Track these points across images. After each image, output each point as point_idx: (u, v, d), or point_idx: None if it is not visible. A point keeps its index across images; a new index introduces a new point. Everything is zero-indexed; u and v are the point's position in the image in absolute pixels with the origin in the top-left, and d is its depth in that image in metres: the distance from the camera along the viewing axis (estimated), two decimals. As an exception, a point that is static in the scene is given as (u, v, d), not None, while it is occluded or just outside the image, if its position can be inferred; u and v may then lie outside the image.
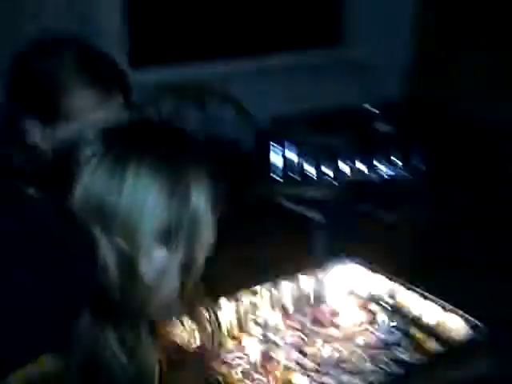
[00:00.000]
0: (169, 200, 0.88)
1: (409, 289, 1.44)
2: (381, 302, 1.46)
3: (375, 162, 1.97)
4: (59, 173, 0.91)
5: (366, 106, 2.23)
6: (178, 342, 1.26)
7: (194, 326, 1.21)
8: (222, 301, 1.35)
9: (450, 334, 1.33)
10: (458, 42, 2.95)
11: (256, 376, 1.24)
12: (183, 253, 0.91)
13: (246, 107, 2.36)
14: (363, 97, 2.50)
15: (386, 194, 1.95)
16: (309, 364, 1.27)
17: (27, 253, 0.82)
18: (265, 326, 1.37)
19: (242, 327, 1.37)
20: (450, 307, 1.37)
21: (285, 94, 2.75)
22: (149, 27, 2.69)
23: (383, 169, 1.97)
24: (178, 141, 0.95)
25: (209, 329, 1.12)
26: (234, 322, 1.36)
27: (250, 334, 1.35)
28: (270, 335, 1.35)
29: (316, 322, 1.40)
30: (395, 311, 1.43)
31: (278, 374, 1.23)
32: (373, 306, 1.45)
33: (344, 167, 1.93)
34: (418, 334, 1.35)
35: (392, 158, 1.98)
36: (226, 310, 1.35)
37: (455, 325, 1.34)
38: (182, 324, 1.26)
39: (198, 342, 1.25)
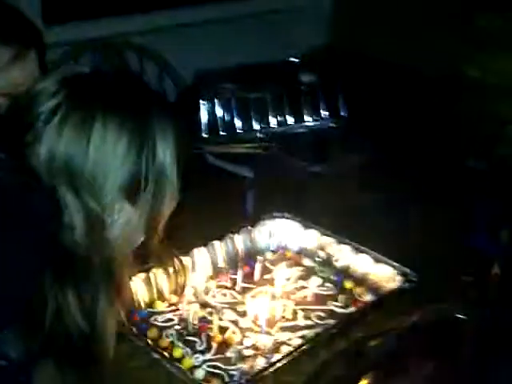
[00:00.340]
0: (135, 155, 0.85)
1: (340, 241, 1.44)
2: (313, 256, 1.45)
3: (301, 114, 1.96)
4: (17, 128, 0.85)
5: (290, 57, 2.20)
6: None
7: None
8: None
9: (383, 284, 1.34)
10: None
11: (190, 338, 1.21)
12: (149, 208, 0.89)
13: (168, 62, 2.30)
14: (286, 48, 2.47)
15: (313, 145, 1.94)
16: (243, 323, 1.26)
17: None
18: (197, 287, 1.34)
19: (173, 289, 1.34)
20: (382, 257, 1.38)
21: (206, 48, 2.70)
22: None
23: (310, 120, 1.96)
24: (141, 93, 0.91)
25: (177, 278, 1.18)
26: (166, 285, 1.33)
27: (183, 296, 1.32)
28: (203, 296, 1.32)
29: (249, 279, 1.38)
30: (328, 265, 1.42)
31: (212, 334, 1.22)
32: (305, 261, 1.44)
33: (271, 120, 1.91)
34: (352, 287, 1.36)
35: (318, 108, 1.97)
36: (158, 272, 1.32)
37: (387, 275, 1.34)
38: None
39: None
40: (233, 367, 1.14)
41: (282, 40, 2.82)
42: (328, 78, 2.01)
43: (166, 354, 1.14)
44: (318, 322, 1.26)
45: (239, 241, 1.45)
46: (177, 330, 1.23)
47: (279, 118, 1.92)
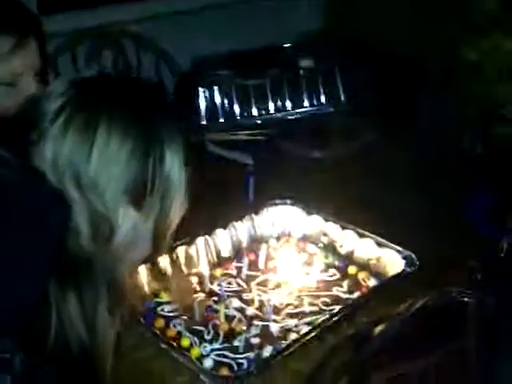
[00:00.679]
0: (140, 160, 0.83)
1: (343, 227, 1.44)
2: (317, 242, 1.46)
3: (301, 99, 1.95)
4: (22, 127, 0.84)
5: (288, 43, 2.19)
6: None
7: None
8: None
9: (387, 269, 1.34)
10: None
11: (197, 327, 1.22)
12: (156, 214, 0.87)
13: (165, 50, 2.29)
14: (282, 34, 2.46)
15: (313, 131, 1.94)
16: (249, 310, 1.26)
17: None
18: (202, 276, 1.34)
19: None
20: (385, 242, 1.38)
21: (203, 36, 2.69)
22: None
23: (309, 105, 1.95)
24: (149, 98, 0.90)
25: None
26: (171, 274, 1.33)
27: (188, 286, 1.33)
28: (208, 285, 1.33)
29: (253, 267, 1.38)
30: (332, 250, 1.43)
31: (219, 323, 1.22)
32: (309, 247, 1.45)
33: (270, 107, 1.90)
34: (356, 272, 1.36)
35: (317, 93, 1.97)
36: (163, 262, 1.32)
37: (391, 259, 1.35)
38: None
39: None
40: (241, 355, 1.15)
41: (278, 25, 2.81)
42: (326, 63, 2.00)
43: (173, 343, 1.15)
44: (324, 308, 1.27)
45: (243, 229, 1.45)
46: (184, 320, 1.24)
47: (279, 104, 1.91)
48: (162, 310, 1.26)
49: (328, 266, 1.39)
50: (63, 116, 0.82)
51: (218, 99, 1.89)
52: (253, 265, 1.39)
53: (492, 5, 1.58)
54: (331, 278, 1.36)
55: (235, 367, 1.12)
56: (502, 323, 1.06)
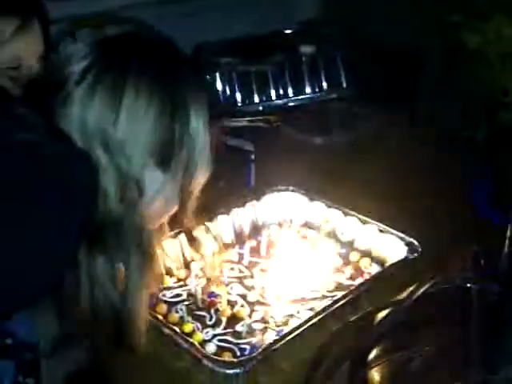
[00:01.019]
0: (168, 120, 0.82)
1: (345, 213, 1.44)
2: (319, 229, 1.45)
3: (303, 85, 1.95)
4: (47, 89, 0.83)
5: (289, 29, 2.19)
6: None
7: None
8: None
9: (389, 255, 1.34)
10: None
11: (199, 313, 1.22)
12: (182, 175, 0.86)
13: (166, 35, 2.28)
14: (281, 21, 2.45)
15: (315, 117, 1.93)
16: (251, 296, 1.26)
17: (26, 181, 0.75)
18: (204, 262, 1.34)
19: (180, 264, 1.34)
20: (388, 228, 1.38)
21: (203, 22, 2.68)
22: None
23: (311, 91, 1.95)
24: (174, 58, 0.89)
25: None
26: (173, 259, 1.33)
27: (190, 271, 1.33)
28: (210, 270, 1.33)
29: (255, 253, 1.38)
30: (334, 237, 1.43)
31: (221, 309, 1.22)
32: (311, 234, 1.45)
33: (272, 93, 1.90)
34: (358, 258, 1.36)
35: (319, 79, 1.96)
36: (165, 247, 1.32)
37: (393, 246, 1.35)
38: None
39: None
40: (243, 341, 1.15)
41: (280, 12, 2.79)
42: (328, 50, 2.00)
43: (176, 329, 1.15)
44: (326, 294, 1.27)
45: (244, 215, 1.45)
46: (186, 305, 1.24)
47: (280, 91, 1.91)
48: (164, 295, 1.26)
49: (330, 253, 1.38)
50: (89, 77, 0.80)
51: (219, 86, 1.88)
52: (254, 251, 1.39)
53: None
54: (333, 265, 1.35)
55: (238, 352, 1.12)
56: (506, 310, 1.07)
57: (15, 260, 0.75)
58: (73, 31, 2.15)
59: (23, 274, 0.76)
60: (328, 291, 1.27)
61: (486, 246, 1.19)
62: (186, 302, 1.25)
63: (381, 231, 1.38)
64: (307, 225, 1.48)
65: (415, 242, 1.33)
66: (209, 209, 1.42)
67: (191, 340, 1.11)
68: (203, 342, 1.14)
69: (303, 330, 1.13)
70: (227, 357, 1.10)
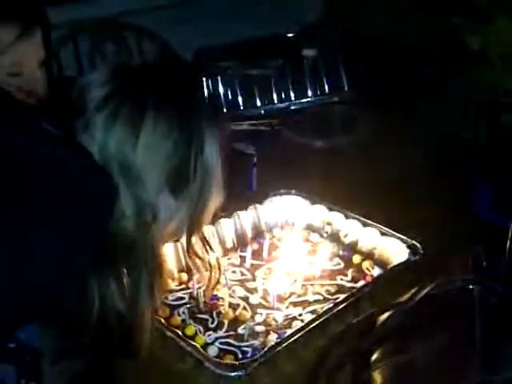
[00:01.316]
0: (184, 150, 0.85)
1: (347, 216, 1.44)
2: (321, 232, 1.46)
3: (304, 89, 1.95)
4: (67, 113, 0.85)
5: (291, 32, 2.19)
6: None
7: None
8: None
9: (391, 258, 1.34)
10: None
11: (201, 316, 1.22)
12: (195, 203, 0.89)
13: (167, 41, 2.29)
14: (283, 24, 2.46)
15: (317, 120, 1.93)
16: (253, 299, 1.26)
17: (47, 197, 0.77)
18: (206, 265, 1.34)
19: (182, 268, 1.34)
20: (389, 231, 1.38)
21: (204, 27, 2.69)
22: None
23: (312, 95, 1.95)
24: (190, 87, 0.91)
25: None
26: (175, 263, 1.33)
27: (192, 274, 1.33)
28: (212, 273, 1.33)
29: (257, 256, 1.38)
30: (336, 240, 1.43)
31: (223, 311, 1.22)
32: (313, 237, 1.45)
33: (274, 97, 1.90)
34: (360, 261, 1.36)
35: (321, 83, 1.97)
36: (167, 251, 1.32)
37: (395, 248, 1.35)
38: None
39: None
40: (245, 343, 1.15)
41: (281, 15, 2.80)
42: (330, 53, 2.00)
43: (178, 332, 1.15)
44: (328, 296, 1.27)
45: (247, 218, 1.45)
46: (188, 308, 1.24)
47: (282, 94, 1.91)
48: (166, 298, 1.26)
49: (332, 255, 1.38)
50: (111, 105, 0.83)
51: (221, 89, 1.89)
52: (257, 254, 1.39)
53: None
54: (335, 267, 1.35)
55: (240, 355, 1.12)
56: (507, 311, 1.06)
57: (28, 273, 0.76)
58: (74, 36, 2.16)
59: (35, 286, 0.77)
60: (330, 294, 1.27)
61: (487, 247, 1.19)
62: (188, 305, 1.25)
63: (382, 234, 1.38)
64: (309, 228, 1.48)
65: (417, 244, 1.33)
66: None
67: (193, 343, 1.11)
68: (205, 345, 1.14)
69: (305, 333, 1.13)
70: (229, 359, 1.10)
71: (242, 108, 1.89)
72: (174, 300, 1.27)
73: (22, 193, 0.76)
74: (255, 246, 1.41)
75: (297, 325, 1.17)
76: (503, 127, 1.54)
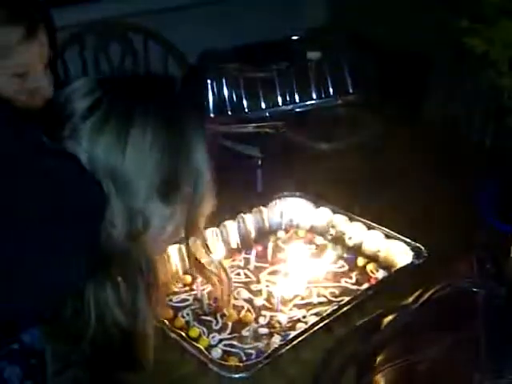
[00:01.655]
0: (171, 157, 0.85)
1: (351, 219, 1.44)
2: (325, 234, 1.46)
3: (309, 91, 1.95)
4: (53, 122, 0.85)
5: (295, 35, 2.19)
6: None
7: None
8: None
9: (396, 260, 1.34)
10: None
11: (205, 318, 1.22)
12: (186, 209, 0.89)
13: (173, 43, 2.30)
14: (289, 27, 2.46)
15: (321, 123, 1.93)
16: (257, 301, 1.26)
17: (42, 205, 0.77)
18: (210, 267, 1.34)
19: (187, 269, 1.34)
20: (394, 233, 1.38)
21: (209, 29, 2.69)
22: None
23: (317, 97, 1.95)
24: (176, 95, 0.92)
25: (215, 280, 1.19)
26: (179, 265, 1.33)
27: (196, 276, 1.33)
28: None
29: (262, 259, 1.38)
30: (340, 242, 1.43)
31: (227, 313, 1.22)
32: (317, 239, 1.45)
33: (279, 99, 1.90)
34: (365, 263, 1.36)
35: (325, 85, 1.97)
36: (171, 253, 1.32)
37: (400, 251, 1.35)
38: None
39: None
40: (249, 346, 1.15)
41: (286, 18, 2.81)
42: (334, 56, 2.00)
43: (182, 334, 1.15)
44: (332, 299, 1.27)
45: (251, 221, 1.45)
46: (192, 310, 1.24)
47: (287, 97, 1.91)
48: (170, 300, 1.27)
49: (336, 258, 1.38)
50: (97, 114, 0.83)
51: (226, 92, 1.89)
52: (261, 256, 1.39)
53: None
54: (340, 270, 1.35)
55: (243, 357, 1.12)
56: (512, 313, 1.06)
57: (24, 284, 0.77)
58: (79, 37, 2.17)
59: (31, 297, 0.78)
60: (334, 296, 1.28)
61: (491, 250, 1.18)
62: (193, 307, 1.25)
63: (387, 236, 1.38)
64: (313, 230, 1.48)
65: (421, 247, 1.33)
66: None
67: (197, 345, 1.12)
68: (209, 347, 1.14)
69: (309, 335, 1.14)
70: (233, 361, 1.11)
71: (246, 110, 1.89)
72: (178, 302, 1.27)
73: (15, 206, 0.76)
74: (259, 248, 1.41)
75: (301, 327, 1.18)
76: (508, 130, 1.54)
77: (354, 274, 1.34)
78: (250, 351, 1.14)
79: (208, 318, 1.22)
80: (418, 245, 1.34)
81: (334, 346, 1.12)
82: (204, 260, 1.16)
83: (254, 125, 1.81)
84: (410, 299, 1.17)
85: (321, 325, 1.15)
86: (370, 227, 1.41)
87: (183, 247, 1.33)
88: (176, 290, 1.30)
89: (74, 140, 0.83)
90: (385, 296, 1.24)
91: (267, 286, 1.30)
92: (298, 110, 1.93)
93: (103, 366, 0.96)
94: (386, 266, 1.35)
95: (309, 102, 1.94)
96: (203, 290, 1.28)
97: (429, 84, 2.14)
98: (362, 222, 1.42)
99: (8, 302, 0.77)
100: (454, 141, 1.82)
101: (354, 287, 1.30)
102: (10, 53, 1.18)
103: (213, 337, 1.17)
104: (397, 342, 1.12)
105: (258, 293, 1.29)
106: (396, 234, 1.37)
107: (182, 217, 0.90)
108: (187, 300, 1.27)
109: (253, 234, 1.45)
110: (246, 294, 1.28)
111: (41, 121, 0.87)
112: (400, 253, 1.35)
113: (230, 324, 1.20)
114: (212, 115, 1.89)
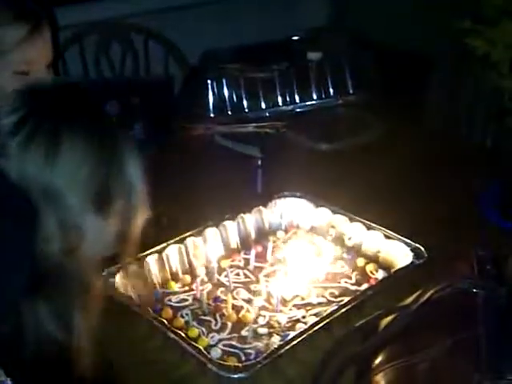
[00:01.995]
0: (103, 170, 0.86)
1: (351, 219, 1.44)
2: (325, 235, 1.45)
3: (309, 92, 1.95)
4: None
5: (296, 36, 2.19)
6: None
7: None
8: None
9: (395, 261, 1.34)
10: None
11: (204, 318, 1.22)
12: (120, 220, 0.90)
13: (174, 43, 2.29)
14: (288, 28, 2.46)
15: (321, 123, 1.93)
16: (257, 301, 1.26)
17: None
18: (210, 267, 1.34)
19: (186, 269, 1.34)
20: (393, 234, 1.37)
21: (210, 29, 2.69)
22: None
23: (317, 98, 1.95)
24: (103, 110, 0.92)
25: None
26: (178, 265, 1.33)
27: (196, 276, 1.33)
28: (216, 275, 1.33)
29: (261, 259, 1.38)
30: (340, 242, 1.42)
31: (227, 313, 1.22)
32: (317, 239, 1.45)
33: (279, 99, 1.90)
34: (364, 264, 1.36)
35: (326, 86, 1.97)
36: (171, 253, 1.32)
37: (399, 251, 1.34)
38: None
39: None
40: (248, 346, 1.15)
41: (287, 18, 2.81)
42: (335, 56, 2.00)
43: (181, 333, 1.14)
44: (332, 299, 1.27)
45: (251, 221, 1.45)
46: (191, 310, 1.24)
47: (287, 97, 1.91)
48: (170, 300, 1.26)
49: (336, 258, 1.38)
50: (25, 130, 0.83)
51: (226, 92, 1.89)
52: (260, 256, 1.39)
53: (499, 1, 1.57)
54: (339, 270, 1.35)
55: (243, 357, 1.12)
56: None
57: None
58: (79, 38, 2.17)
59: None
60: (334, 296, 1.27)
61: (492, 250, 1.18)
62: (192, 307, 1.25)
63: (387, 237, 1.38)
64: (313, 230, 1.48)
65: (421, 248, 1.32)
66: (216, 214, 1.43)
67: (196, 345, 1.11)
68: (208, 347, 1.14)
69: (308, 335, 1.13)
70: (232, 362, 1.10)
71: (247, 111, 1.89)
72: (177, 302, 1.27)
73: None
74: (259, 249, 1.41)
75: (300, 327, 1.18)
76: (509, 131, 1.53)
77: (353, 275, 1.33)
78: (249, 351, 1.14)
79: (207, 318, 1.22)
80: (417, 245, 1.33)
81: (334, 347, 1.11)
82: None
83: (254, 125, 1.81)
84: (410, 300, 1.17)
85: (320, 325, 1.15)
86: (369, 228, 1.40)
87: (183, 247, 1.34)
88: (175, 290, 1.29)
89: (3, 157, 0.83)
90: (384, 296, 1.24)
91: (267, 286, 1.29)
92: (298, 110, 1.93)
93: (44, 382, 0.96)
94: (385, 266, 1.35)
95: (309, 103, 1.94)
96: (202, 290, 1.28)
97: (430, 84, 2.14)
98: (361, 222, 1.42)
99: None
100: (455, 141, 1.82)
101: (354, 287, 1.30)
102: (13, 50, 1.18)
103: (212, 337, 1.17)
104: (396, 342, 1.12)
105: (258, 293, 1.28)
106: (396, 235, 1.37)
107: (116, 229, 0.91)
108: (186, 300, 1.27)
109: (252, 235, 1.45)
110: (245, 294, 1.28)
111: None
112: (400, 253, 1.34)
113: (229, 324, 1.20)
114: (212, 115, 1.88)
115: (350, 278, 1.33)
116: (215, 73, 1.89)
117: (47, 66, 1.26)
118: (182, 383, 1.10)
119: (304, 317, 1.22)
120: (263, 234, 1.46)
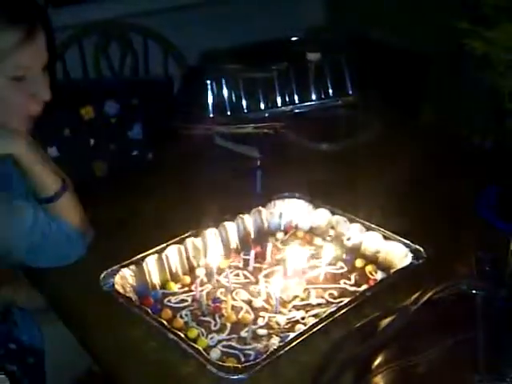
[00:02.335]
0: None
1: (350, 220, 1.44)
2: (324, 235, 1.45)
3: (308, 92, 1.95)
4: None
5: (295, 36, 2.19)
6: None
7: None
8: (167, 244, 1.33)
9: (395, 262, 1.34)
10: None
11: (204, 318, 1.22)
12: None
13: (173, 43, 2.30)
14: (286, 28, 2.46)
15: (321, 124, 1.93)
16: (256, 302, 1.26)
17: None
18: (209, 267, 1.34)
19: (186, 270, 1.34)
20: (393, 235, 1.37)
21: (209, 29, 2.69)
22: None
23: (317, 98, 1.95)
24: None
25: None
26: (178, 265, 1.33)
27: (195, 276, 1.33)
28: (215, 276, 1.33)
29: (260, 260, 1.38)
30: (339, 243, 1.42)
31: (226, 314, 1.22)
32: (316, 240, 1.45)
33: (278, 100, 1.90)
34: (364, 265, 1.36)
35: (325, 86, 1.97)
36: (170, 253, 1.32)
37: (399, 252, 1.34)
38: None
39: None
40: (248, 346, 1.15)
41: (286, 19, 2.81)
42: (334, 56, 2.00)
43: (181, 334, 1.14)
44: (331, 300, 1.26)
45: (250, 221, 1.45)
46: (191, 311, 1.24)
47: (286, 98, 1.91)
48: (169, 301, 1.26)
49: (335, 259, 1.38)
50: None
51: (225, 92, 1.89)
52: (260, 257, 1.39)
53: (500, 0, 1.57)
54: (338, 271, 1.35)
55: (242, 358, 1.12)
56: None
57: None
58: (79, 38, 2.17)
59: None
60: (333, 297, 1.27)
61: (491, 252, 1.19)
62: (191, 308, 1.25)
63: (386, 238, 1.37)
64: (312, 231, 1.48)
65: (420, 249, 1.32)
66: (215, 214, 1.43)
67: (196, 345, 1.11)
68: (208, 348, 1.14)
69: (308, 337, 1.13)
70: (231, 363, 1.10)
71: (246, 111, 1.89)
72: (176, 302, 1.26)
73: None
74: (258, 249, 1.41)
75: (299, 328, 1.17)
76: (508, 131, 1.54)
77: (352, 276, 1.33)
78: (248, 352, 1.13)
79: (207, 318, 1.22)
80: (417, 246, 1.33)
81: (333, 348, 1.12)
82: None
83: (253, 125, 1.81)
84: (410, 300, 1.17)
85: (319, 326, 1.14)
86: (369, 228, 1.40)
87: (182, 248, 1.34)
88: (175, 290, 1.29)
89: None
90: (384, 297, 1.24)
91: (266, 287, 1.29)
92: (297, 110, 1.93)
93: None
94: (385, 267, 1.34)
95: (308, 103, 1.94)
96: (202, 290, 1.28)
97: (429, 85, 2.14)
98: (361, 223, 1.42)
99: None
100: (454, 142, 1.82)
101: (353, 288, 1.30)
102: (8, 55, 1.17)
103: (211, 338, 1.17)
104: (396, 343, 1.12)
105: (257, 294, 1.28)
106: (395, 236, 1.37)
107: None
108: (186, 301, 1.27)
109: (252, 235, 1.45)
110: (244, 295, 1.28)
111: None
112: (399, 254, 1.34)
113: (228, 325, 1.20)
114: (211, 115, 1.88)
115: (350, 278, 1.33)
116: (214, 73, 1.89)
117: (43, 69, 1.25)
118: (181, 384, 1.10)
119: (303, 318, 1.21)
120: (262, 235, 1.46)
